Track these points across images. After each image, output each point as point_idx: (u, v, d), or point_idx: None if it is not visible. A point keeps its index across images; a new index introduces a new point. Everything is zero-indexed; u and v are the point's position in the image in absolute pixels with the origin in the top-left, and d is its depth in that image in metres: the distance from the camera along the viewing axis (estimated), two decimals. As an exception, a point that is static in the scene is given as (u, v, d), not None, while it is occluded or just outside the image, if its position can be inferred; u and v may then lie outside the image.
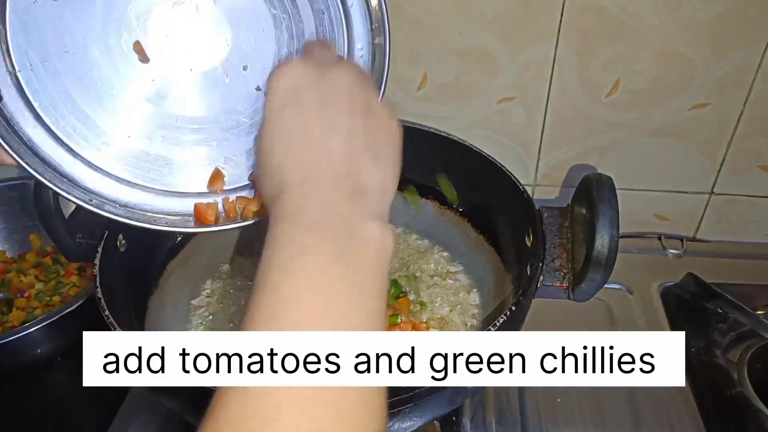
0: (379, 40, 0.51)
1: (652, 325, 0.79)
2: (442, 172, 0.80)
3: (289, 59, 0.44)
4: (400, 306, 0.72)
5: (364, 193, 0.39)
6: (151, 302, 0.70)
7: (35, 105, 0.46)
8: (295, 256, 0.36)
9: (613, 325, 0.80)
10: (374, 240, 0.38)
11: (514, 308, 0.53)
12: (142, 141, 0.50)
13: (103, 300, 0.55)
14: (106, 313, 0.54)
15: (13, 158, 0.44)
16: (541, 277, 0.59)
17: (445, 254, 0.81)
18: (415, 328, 0.69)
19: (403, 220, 0.85)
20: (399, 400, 0.49)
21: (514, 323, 0.55)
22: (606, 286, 0.57)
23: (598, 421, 0.68)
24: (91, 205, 0.48)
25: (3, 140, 0.44)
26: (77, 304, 0.76)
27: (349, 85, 0.41)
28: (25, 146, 0.46)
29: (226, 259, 0.82)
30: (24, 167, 0.45)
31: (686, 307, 0.81)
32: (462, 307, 0.73)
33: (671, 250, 0.92)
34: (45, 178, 0.46)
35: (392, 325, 0.68)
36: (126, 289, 0.66)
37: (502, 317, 0.52)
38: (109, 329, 0.53)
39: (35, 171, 0.45)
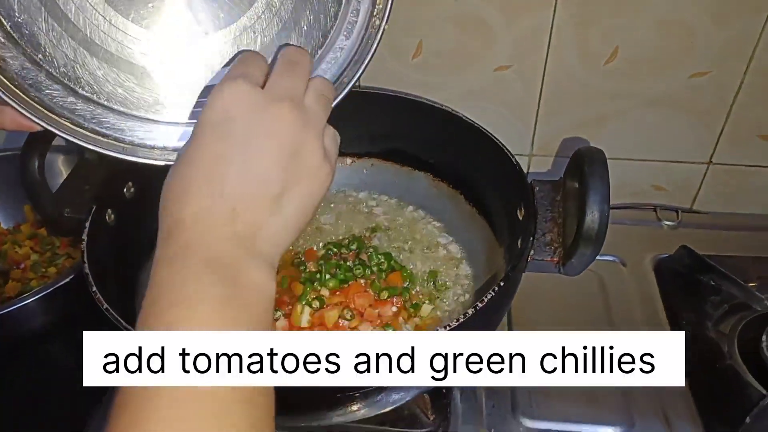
0: (376, 22, 0.49)
1: (645, 298, 0.79)
2: (435, 144, 0.79)
3: (238, 77, 0.40)
4: (391, 281, 0.71)
5: (255, 243, 0.38)
6: (142, 276, 0.70)
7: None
8: (179, 301, 0.35)
9: (605, 297, 0.80)
10: (259, 288, 0.38)
11: (503, 283, 0.53)
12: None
13: (90, 276, 0.55)
14: (94, 289, 0.53)
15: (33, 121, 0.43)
16: (532, 252, 0.59)
17: (438, 225, 0.81)
18: (403, 307, 0.69)
19: (397, 192, 0.84)
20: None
21: (504, 297, 0.55)
22: (599, 258, 0.57)
23: (588, 393, 0.69)
24: (126, 154, 0.47)
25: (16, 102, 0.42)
26: (72, 276, 0.76)
27: (287, 127, 0.40)
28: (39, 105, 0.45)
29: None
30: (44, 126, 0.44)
31: (679, 280, 0.81)
32: (453, 279, 0.73)
33: (666, 222, 0.91)
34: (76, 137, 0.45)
35: (381, 301, 0.68)
36: (116, 263, 0.66)
37: (490, 293, 0.52)
38: (98, 306, 0.53)
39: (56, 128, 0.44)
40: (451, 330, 0.49)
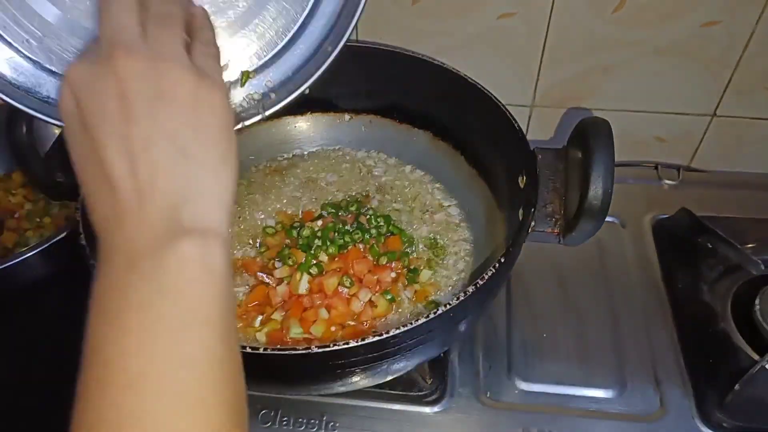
0: None
1: (642, 260, 0.80)
2: (435, 102, 0.77)
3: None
4: (390, 244, 0.71)
5: (177, 206, 0.34)
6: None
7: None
8: (111, 308, 0.33)
9: (603, 259, 0.80)
10: (192, 261, 0.33)
11: (504, 259, 0.53)
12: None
13: (87, 249, 0.54)
14: (92, 262, 0.53)
15: None
16: (533, 222, 0.58)
17: (438, 186, 0.80)
18: (402, 273, 0.69)
19: (396, 151, 0.83)
20: (385, 353, 0.50)
21: (504, 271, 0.55)
22: (599, 220, 0.56)
23: (582, 356, 0.70)
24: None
25: None
26: (70, 230, 0.76)
27: (134, 75, 0.35)
28: None
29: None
30: None
31: (677, 242, 0.81)
32: (453, 243, 0.73)
33: (667, 181, 0.91)
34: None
35: (380, 267, 0.68)
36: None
37: (491, 269, 0.52)
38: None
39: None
40: (452, 308, 0.49)
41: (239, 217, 0.77)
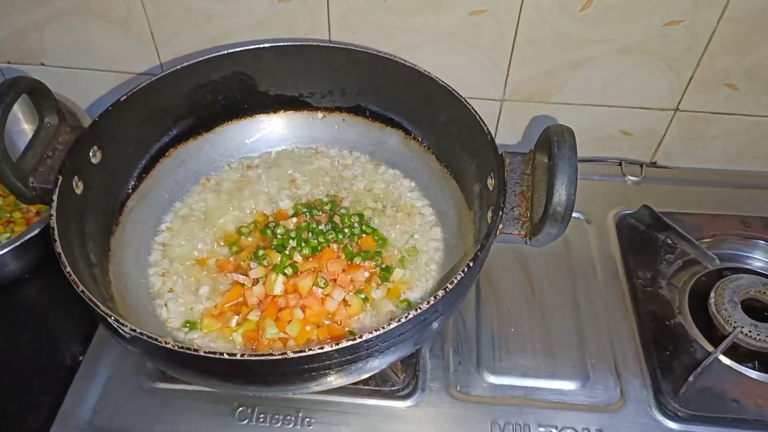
0: None
1: (605, 256, 0.83)
2: (406, 102, 0.79)
3: None
4: (363, 243, 0.73)
5: None
6: (113, 242, 0.70)
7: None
8: None
9: (568, 254, 0.83)
10: None
11: (472, 263, 0.55)
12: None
13: (63, 255, 0.54)
14: (68, 270, 0.54)
15: None
16: (501, 225, 0.60)
17: (411, 185, 0.81)
18: (375, 272, 0.70)
19: (369, 149, 0.84)
20: (359, 355, 0.52)
21: (473, 275, 0.57)
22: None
23: (547, 350, 0.73)
24: None
25: None
26: (42, 228, 0.76)
27: None
28: None
29: (188, 190, 0.81)
30: None
31: (638, 237, 0.84)
32: (425, 243, 0.75)
33: (630, 177, 0.94)
34: None
35: (353, 266, 0.70)
36: (85, 232, 0.65)
37: (460, 273, 0.54)
38: (73, 287, 0.53)
39: None
40: (423, 311, 0.51)
41: (212, 216, 0.77)
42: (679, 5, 0.79)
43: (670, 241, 0.82)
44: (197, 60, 0.75)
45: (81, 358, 0.74)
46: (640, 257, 0.82)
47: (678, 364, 0.70)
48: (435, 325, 0.58)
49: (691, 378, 0.66)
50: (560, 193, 0.54)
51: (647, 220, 0.84)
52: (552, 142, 0.56)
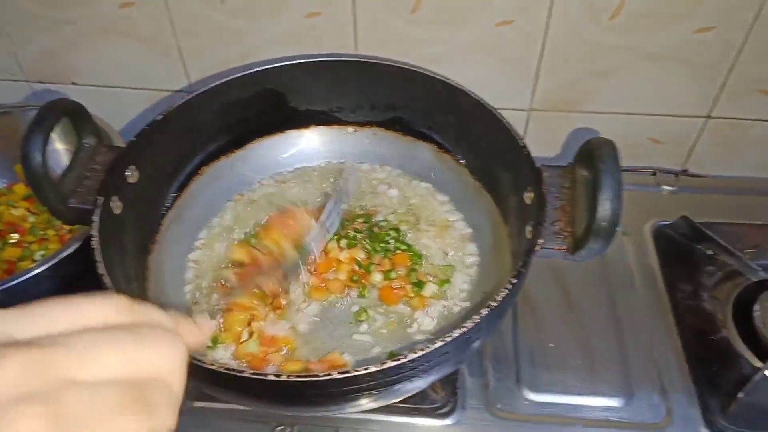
0: None
1: (643, 268, 0.81)
2: (438, 116, 0.78)
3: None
4: (397, 260, 0.72)
5: None
6: (150, 260, 0.70)
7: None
8: None
9: (605, 267, 0.82)
10: None
11: (515, 280, 0.54)
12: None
13: (105, 276, 0.55)
14: (111, 290, 0.54)
15: None
16: (541, 240, 0.59)
17: (444, 199, 0.80)
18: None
19: (400, 163, 0.84)
20: (401, 376, 0.51)
21: (515, 292, 0.56)
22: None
23: (588, 366, 0.72)
24: None
25: None
26: (78, 245, 0.76)
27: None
28: None
29: (221, 207, 0.81)
30: None
31: (677, 249, 0.83)
32: (460, 260, 0.74)
33: (665, 186, 0.92)
34: None
35: (387, 281, 0.70)
36: (125, 251, 0.65)
37: (503, 290, 0.53)
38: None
39: None
40: (467, 330, 0.51)
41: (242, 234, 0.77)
42: (710, 12, 0.78)
43: (710, 252, 0.80)
44: (229, 78, 0.75)
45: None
46: (679, 269, 0.80)
47: (725, 380, 0.68)
48: (476, 344, 0.57)
49: (740, 395, 0.65)
50: (605, 208, 0.53)
51: (685, 230, 0.82)
52: (594, 156, 0.55)
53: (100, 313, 0.27)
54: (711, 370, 0.69)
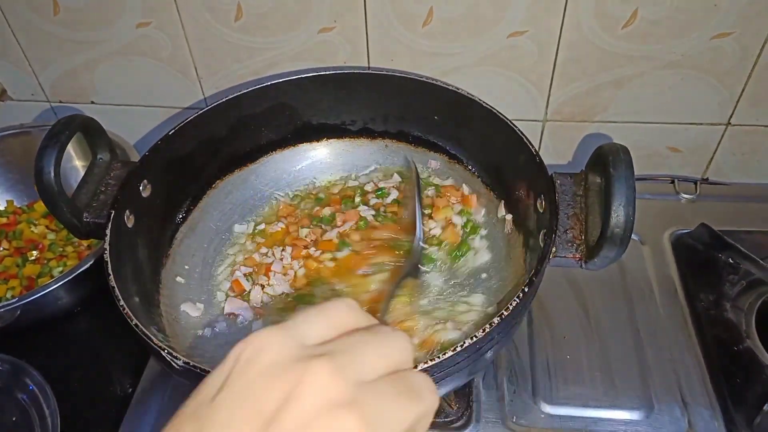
0: None
1: (662, 278, 0.80)
2: (449, 127, 0.78)
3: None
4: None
5: None
6: (163, 274, 0.71)
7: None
8: None
9: (623, 277, 0.80)
10: None
11: (527, 288, 0.53)
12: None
13: (117, 289, 0.55)
14: (122, 303, 0.54)
15: None
16: (554, 248, 0.59)
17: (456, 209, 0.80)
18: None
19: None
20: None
21: (528, 301, 0.55)
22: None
23: (607, 378, 0.70)
24: None
25: None
26: (94, 261, 0.77)
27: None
28: None
29: (235, 220, 0.81)
30: None
31: (697, 258, 0.81)
32: (472, 269, 0.73)
33: (684, 195, 0.90)
34: None
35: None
36: (137, 265, 0.66)
37: (515, 299, 0.52)
38: (125, 320, 0.53)
39: None
40: (479, 339, 0.50)
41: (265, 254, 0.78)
42: (728, 17, 0.77)
43: (731, 261, 0.78)
44: (241, 93, 0.76)
45: (130, 389, 0.75)
46: (700, 279, 0.78)
47: (749, 392, 0.66)
48: (489, 354, 0.56)
49: (766, 407, 0.62)
50: (618, 215, 0.52)
51: (706, 239, 0.80)
52: (607, 162, 0.54)
53: (349, 318, 0.30)
54: (734, 382, 0.67)
